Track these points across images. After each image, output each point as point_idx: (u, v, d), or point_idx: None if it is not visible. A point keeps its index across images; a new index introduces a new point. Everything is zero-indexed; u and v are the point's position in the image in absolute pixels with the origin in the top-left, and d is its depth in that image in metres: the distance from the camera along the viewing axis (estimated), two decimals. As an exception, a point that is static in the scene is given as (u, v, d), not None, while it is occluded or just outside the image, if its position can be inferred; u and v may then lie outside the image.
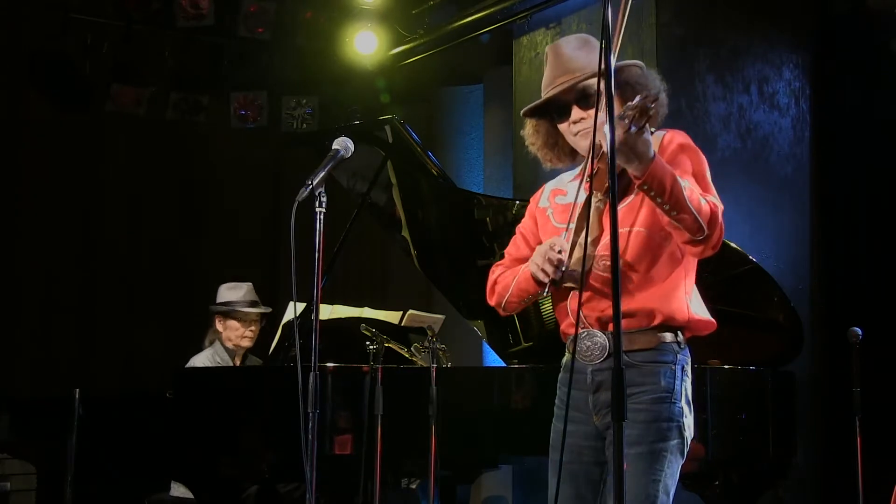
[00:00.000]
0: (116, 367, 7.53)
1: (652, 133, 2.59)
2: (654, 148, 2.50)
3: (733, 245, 4.26)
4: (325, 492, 4.36)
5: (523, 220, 2.98)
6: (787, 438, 4.47)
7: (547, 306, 4.45)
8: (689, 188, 2.54)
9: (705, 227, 2.55)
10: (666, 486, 2.63)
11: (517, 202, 4.60)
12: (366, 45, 7.32)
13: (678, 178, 2.51)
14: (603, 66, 2.31)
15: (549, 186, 2.95)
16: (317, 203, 2.84)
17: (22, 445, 4.69)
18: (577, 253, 2.64)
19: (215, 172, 8.29)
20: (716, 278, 3.97)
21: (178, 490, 4.79)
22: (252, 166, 8.36)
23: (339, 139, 2.97)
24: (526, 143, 2.89)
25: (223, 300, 5.15)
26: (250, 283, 5.23)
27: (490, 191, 7.09)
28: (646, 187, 2.49)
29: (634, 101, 2.37)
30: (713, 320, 2.79)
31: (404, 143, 4.61)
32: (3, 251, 7.42)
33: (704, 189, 2.63)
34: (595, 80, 2.65)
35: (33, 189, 7.62)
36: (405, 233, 5.06)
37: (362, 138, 4.12)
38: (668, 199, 2.49)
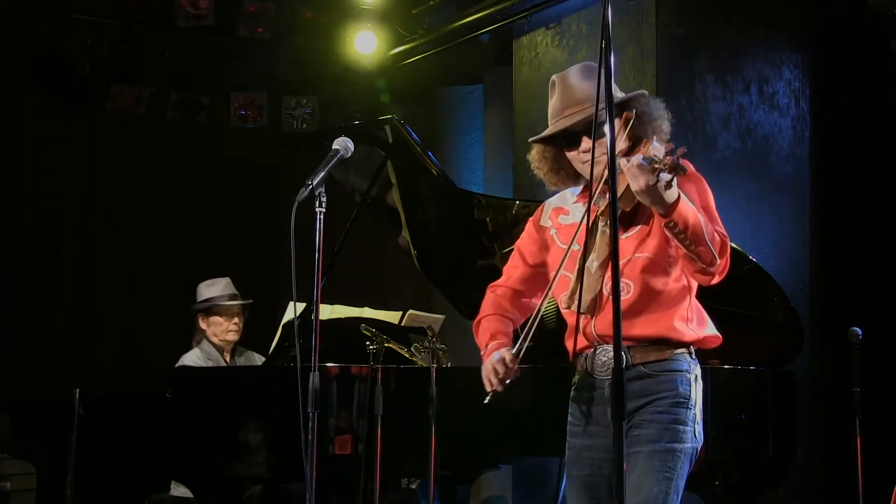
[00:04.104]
0: (116, 367, 7.52)
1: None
2: None
3: (733, 245, 4.23)
4: (325, 492, 4.35)
5: (521, 238, 3.03)
6: (787, 438, 4.46)
7: (548, 307, 4.44)
8: (705, 221, 2.60)
9: (717, 258, 2.62)
10: (677, 487, 2.68)
11: (517, 202, 4.59)
12: (366, 45, 7.32)
13: (698, 213, 2.57)
14: (603, 68, 2.32)
15: (551, 204, 2.99)
16: (317, 203, 2.85)
17: (22, 445, 4.69)
18: (586, 279, 2.69)
19: (215, 172, 8.28)
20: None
21: (179, 490, 4.79)
22: (252, 166, 8.35)
23: (339, 139, 2.98)
24: (532, 167, 2.93)
25: (203, 298, 5.17)
26: (228, 278, 5.26)
27: (490, 191, 7.08)
28: (671, 225, 2.55)
29: (663, 155, 2.40)
30: (719, 335, 2.85)
31: (404, 143, 4.60)
32: (3, 251, 7.41)
33: (711, 220, 2.69)
34: (603, 110, 2.67)
35: (33, 189, 7.61)
36: (405, 233, 5.05)
37: (362, 138, 4.12)
38: (690, 234, 2.56)
